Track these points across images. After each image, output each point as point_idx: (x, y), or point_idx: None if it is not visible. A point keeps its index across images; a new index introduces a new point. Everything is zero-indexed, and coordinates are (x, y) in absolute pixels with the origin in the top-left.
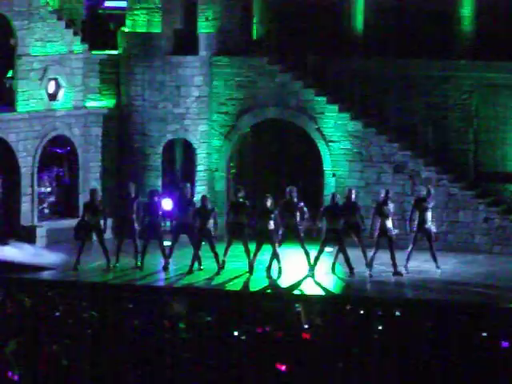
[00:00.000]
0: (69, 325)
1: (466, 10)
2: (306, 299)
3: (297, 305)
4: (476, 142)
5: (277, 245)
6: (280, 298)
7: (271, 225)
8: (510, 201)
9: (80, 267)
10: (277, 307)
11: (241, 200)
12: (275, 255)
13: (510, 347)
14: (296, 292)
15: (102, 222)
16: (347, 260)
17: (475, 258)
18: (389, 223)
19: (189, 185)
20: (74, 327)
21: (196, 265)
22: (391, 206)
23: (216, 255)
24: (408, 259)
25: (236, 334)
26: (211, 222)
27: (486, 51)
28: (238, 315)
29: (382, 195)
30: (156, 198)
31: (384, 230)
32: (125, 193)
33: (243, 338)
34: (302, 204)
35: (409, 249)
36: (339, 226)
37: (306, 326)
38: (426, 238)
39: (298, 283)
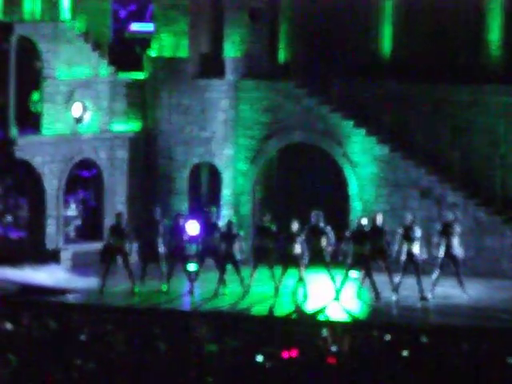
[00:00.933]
0: (94, 348)
1: (494, 35)
2: (331, 324)
3: (323, 330)
4: (503, 166)
5: (303, 269)
6: (305, 323)
7: (297, 249)
8: None
9: (105, 290)
10: (302, 332)
11: (267, 224)
12: (301, 279)
13: None
14: (322, 317)
15: (127, 245)
16: (373, 285)
17: (502, 284)
18: (415, 248)
19: (214, 209)
20: (99, 351)
21: (221, 289)
22: (418, 231)
23: (241, 279)
24: (434, 284)
25: (261, 358)
26: (237, 246)
27: None
28: (264, 339)
29: (409, 220)
30: (182, 222)
31: (410, 255)
32: (150, 216)
33: (269, 363)
34: (329, 228)
35: (435, 274)
36: (365, 251)
37: (333, 350)
38: (452, 264)
39: (324, 308)
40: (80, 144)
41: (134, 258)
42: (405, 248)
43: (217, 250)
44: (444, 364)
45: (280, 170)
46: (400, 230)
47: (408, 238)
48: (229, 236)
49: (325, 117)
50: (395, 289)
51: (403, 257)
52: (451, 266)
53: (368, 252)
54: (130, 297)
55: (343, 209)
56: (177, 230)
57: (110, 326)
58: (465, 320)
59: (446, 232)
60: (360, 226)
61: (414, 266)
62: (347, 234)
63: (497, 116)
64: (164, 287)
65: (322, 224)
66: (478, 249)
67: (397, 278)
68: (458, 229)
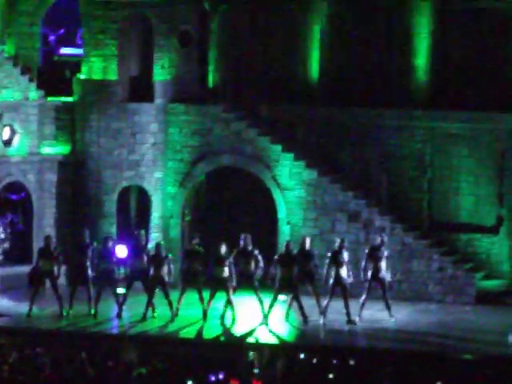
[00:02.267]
0: (22, 372)
1: (421, 60)
2: (259, 347)
3: (250, 353)
4: (430, 191)
5: (231, 292)
6: (233, 346)
7: (225, 272)
8: (463, 250)
9: (33, 314)
10: (230, 355)
11: (195, 247)
12: (229, 303)
13: None
14: (250, 340)
15: (55, 268)
16: (301, 308)
17: (428, 308)
18: (343, 272)
19: (143, 232)
20: (27, 374)
21: (149, 312)
22: (346, 255)
23: (170, 302)
24: (362, 308)
25: (190, 382)
26: (165, 269)
27: (440, 101)
28: (191, 363)
29: (337, 243)
30: (110, 245)
31: (338, 279)
32: (79, 239)
33: None
34: (257, 252)
35: (362, 297)
36: (293, 274)
37: (256, 372)
38: (379, 287)
39: (252, 331)
40: (9, 167)
41: (62, 280)
42: (333, 271)
43: (145, 273)
44: None
45: (209, 193)
46: (328, 254)
47: (336, 261)
48: (158, 259)
49: (253, 141)
50: (323, 312)
51: (331, 280)
52: (378, 290)
53: (296, 275)
54: (58, 320)
55: (271, 232)
56: (105, 253)
57: (38, 349)
58: (392, 343)
59: (374, 256)
60: (288, 249)
61: (341, 290)
62: (275, 257)
63: (423, 141)
64: (92, 310)
65: (250, 247)
66: (405, 273)
67: (324, 302)
68: (385, 253)
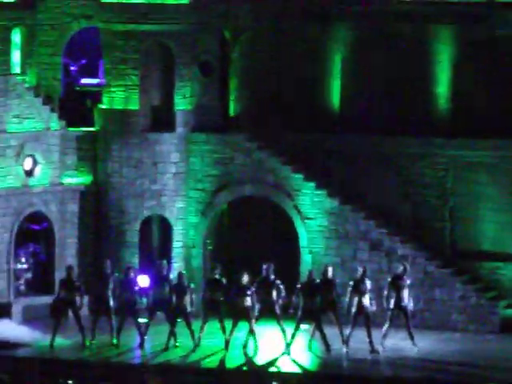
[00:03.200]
0: None
1: (442, 88)
2: (282, 376)
3: (274, 383)
4: (452, 219)
5: (253, 322)
6: (256, 376)
7: (248, 301)
8: (486, 279)
9: (56, 344)
10: None
11: (217, 277)
12: (251, 332)
13: None
14: (272, 369)
15: (77, 298)
16: (324, 337)
17: (452, 336)
18: (366, 300)
19: (165, 261)
20: None
21: (172, 342)
22: (368, 283)
23: (192, 332)
24: (384, 337)
25: None
26: (187, 298)
27: (461, 129)
28: None
29: (360, 272)
30: (132, 275)
31: (361, 308)
32: (101, 270)
33: None
34: (279, 281)
35: (385, 326)
36: (316, 304)
37: None
38: (402, 316)
39: (275, 360)
40: (30, 197)
41: (84, 311)
42: (355, 300)
43: (167, 303)
44: None
45: (231, 222)
46: (351, 283)
47: (358, 290)
48: (180, 289)
49: (275, 170)
50: (346, 341)
51: (353, 309)
52: (401, 318)
53: (318, 304)
54: (80, 350)
55: (293, 261)
56: (127, 283)
57: (61, 380)
58: (415, 372)
59: (396, 285)
60: (310, 278)
61: (364, 319)
62: (298, 286)
63: (445, 169)
64: (114, 340)
65: (272, 276)
66: (428, 301)
67: (347, 331)
68: (407, 281)
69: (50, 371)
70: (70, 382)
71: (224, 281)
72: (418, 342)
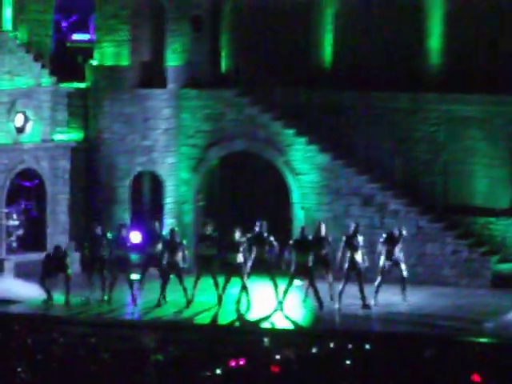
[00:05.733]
0: (37, 357)
1: (435, 43)
2: (275, 332)
3: (266, 339)
4: (444, 174)
5: (246, 278)
6: (249, 332)
7: (240, 257)
8: (478, 233)
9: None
10: (246, 341)
11: (209, 233)
12: (244, 288)
13: (482, 381)
14: (265, 325)
15: (68, 258)
16: (316, 293)
17: (443, 291)
18: (358, 256)
19: (158, 224)
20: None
21: (162, 299)
22: (360, 239)
23: (185, 288)
24: (377, 292)
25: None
26: (180, 254)
27: (453, 84)
28: (207, 349)
29: (352, 228)
30: (124, 232)
31: (353, 263)
32: (92, 232)
33: (218, 371)
34: (272, 238)
35: (377, 281)
36: (308, 260)
37: (276, 359)
38: (395, 268)
39: (267, 316)
40: (22, 154)
41: (76, 268)
42: (347, 256)
43: (160, 259)
44: (388, 372)
45: (222, 178)
46: (343, 238)
47: (351, 246)
48: (172, 245)
49: (266, 125)
50: (338, 297)
51: (346, 265)
52: (393, 273)
53: (311, 261)
54: (70, 307)
55: (285, 217)
56: (119, 240)
57: (54, 335)
58: (407, 327)
59: (389, 245)
60: (303, 234)
61: (356, 274)
62: (290, 242)
63: (437, 124)
64: (106, 297)
65: (265, 233)
66: (420, 256)
67: (339, 286)
68: (400, 245)
69: (43, 327)
70: (61, 339)
71: (216, 237)
72: (410, 297)
